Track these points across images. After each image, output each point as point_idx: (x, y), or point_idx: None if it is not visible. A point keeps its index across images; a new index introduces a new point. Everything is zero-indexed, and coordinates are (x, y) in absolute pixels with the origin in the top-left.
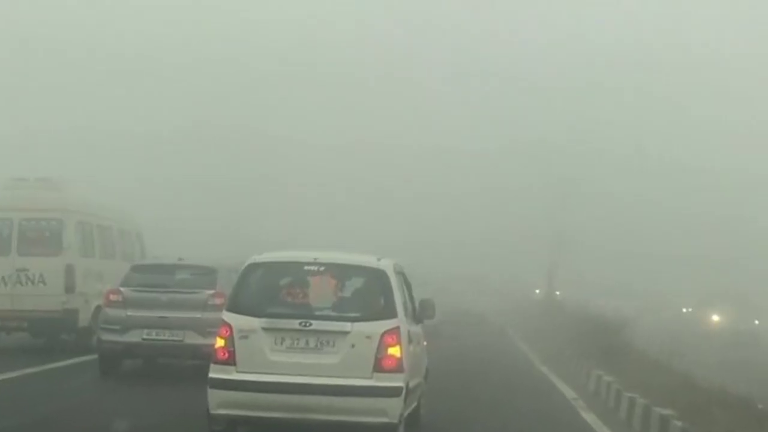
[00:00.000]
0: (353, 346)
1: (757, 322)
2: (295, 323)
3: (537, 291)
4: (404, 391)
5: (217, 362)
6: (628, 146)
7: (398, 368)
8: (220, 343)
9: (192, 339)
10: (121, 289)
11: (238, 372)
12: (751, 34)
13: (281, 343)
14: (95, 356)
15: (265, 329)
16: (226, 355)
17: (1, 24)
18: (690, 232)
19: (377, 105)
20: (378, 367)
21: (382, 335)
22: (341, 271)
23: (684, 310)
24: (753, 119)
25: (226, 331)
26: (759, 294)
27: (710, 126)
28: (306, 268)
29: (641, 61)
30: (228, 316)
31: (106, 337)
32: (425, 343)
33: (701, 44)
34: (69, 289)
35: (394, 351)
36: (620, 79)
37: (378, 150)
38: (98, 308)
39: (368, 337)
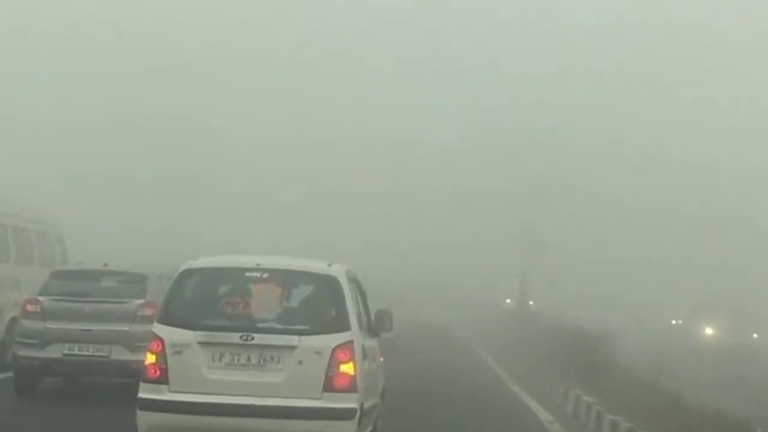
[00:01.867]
0: (301, 362)
1: (755, 335)
2: (235, 337)
3: (508, 300)
4: (358, 413)
5: (147, 380)
6: (607, 137)
7: (351, 387)
8: (150, 359)
9: (119, 354)
10: (40, 298)
11: (170, 392)
12: (741, 12)
13: (220, 360)
14: (10, 374)
15: (201, 344)
16: (158, 372)
17: None
18: (679, 233)
19: (325, 92)
20: (329, 387)
21: (334, 350)
22: (287, 278)
23: (673, 321)
24: (751, 105)
25: (158, 346)
26: (758, 304)
27: (701, 113)
28: (248, 274)
29: (620, 40)
30: (159, 329)
31: (23, 352)
32: (382, 359)
33: (687, 21)
34: None
35: (347, 368)
36: (597, 62)
37: (327, 143)
38: (13, 320)
39: (318, 352)
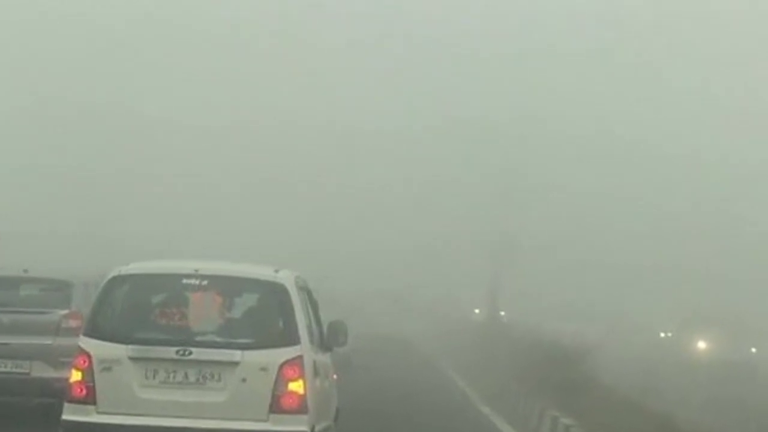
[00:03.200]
0: (244, 380)
1: (754, 350)
2: (170, 352)
3: (477, 311)
4: None
5: (72, 400)
6: (588, 127)
7: (301, 408)
8: (76, 376)
9: (40, 371)
10: None
11: (98, 413)
12: None
13: (153, 377)
14: None
15: (132, 359)
16: (84, 391)
17: None
18: (669, 236)
19: (271, 77)
20: (276, 407)
21: (281, 366)
22: (229, 286)
23: (662, 334)
24: (750, 92)
25: (84, 362)
26: (756, 315)
27: (694, 101)
28: (185, 281)
29: (602, 18)
30: (86, 343)
31: None
32: (335, 376)
33: None
34: None
35: (296, 386)
36: (576, 42)
37: (272, 133)
38: None
39: (263, 368)
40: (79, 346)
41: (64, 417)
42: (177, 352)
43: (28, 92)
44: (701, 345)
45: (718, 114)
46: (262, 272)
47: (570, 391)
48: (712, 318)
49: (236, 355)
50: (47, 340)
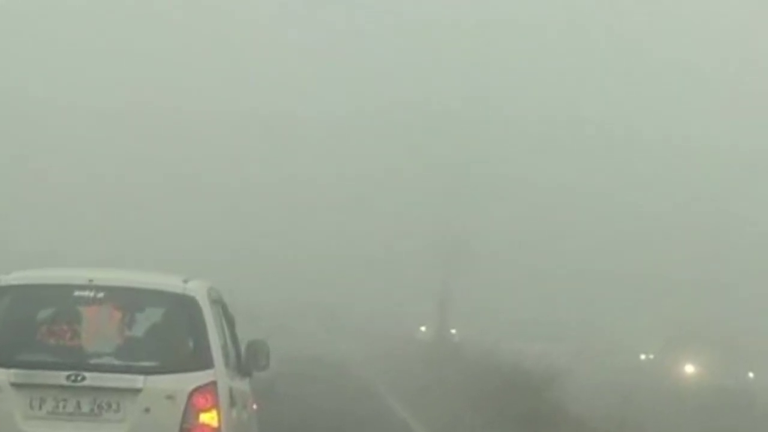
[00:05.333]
0: (147, 410)
1: (751, 375)
2: (60, 377)
3: (423, 328)
4: None
5: None
6: (554, 112)
7: None
8: None
9: None
10: None
11: None
12: None
13: (40, 407)
14: None
15: (15, 385)
16: None
17: None
18: (649, 238)
19: (182, 51)
20: None
21: (191, 394)
22: (130, 299)
23: (642, 356)
24: (746, 70)
25: None
26: (755, 333)
27: (679, 78)
28: (77, 294)
29: None
30: None
31: None
32: (255, 406)
33: None
34: None
35: (209, 418)
36: (541, 11)
37: (178, 119)
38: None
39: (170, 396)
40: None
41: None
42: (68, 377)
43: None
44: (689, 369)
45: (710, 93)
46: (169, 283)
47: (534, 424)
48: (702, 337)
49: (138, 380)
50: None
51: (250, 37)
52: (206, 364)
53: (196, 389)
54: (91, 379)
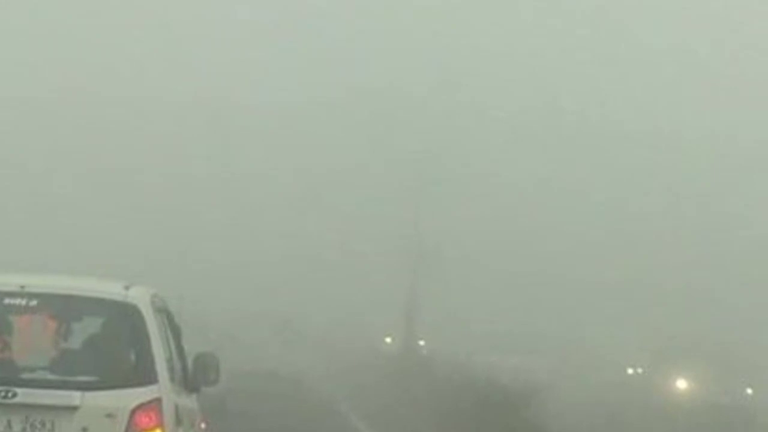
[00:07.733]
0: (85, 429)
1: (749, 391)
2: None
3: (388, 340)
4: None
5: None
6: (528, 100)
7: None
8: None
9: None
10: None
11: None
12: None
13: None
14: None
15: None
16: None
17: None
18: (636, 242)
19: (108, 27)
20: None
21: (133, 412)
22: (66, 307)
23: (630, 371)
24: (740, 51)
25: None
26: (752, 346)
27: (667, 65)
28: (7, 302)
29: None
30: None
31: None
32: (203, 425)
33: None
34: None
35: None
36: None
37: (114, 108)
38: None
39: (110, 415)
40: None
41: None
42: None
43: None
44: (681, 384)
45: (701, 80)
46: (109, 289)
47: None
48: (695, 349)
49: (75, 397)
50: None
51: (192, 14)
52: (150, 379)
53: (139, 407)
54: (23, 395)
